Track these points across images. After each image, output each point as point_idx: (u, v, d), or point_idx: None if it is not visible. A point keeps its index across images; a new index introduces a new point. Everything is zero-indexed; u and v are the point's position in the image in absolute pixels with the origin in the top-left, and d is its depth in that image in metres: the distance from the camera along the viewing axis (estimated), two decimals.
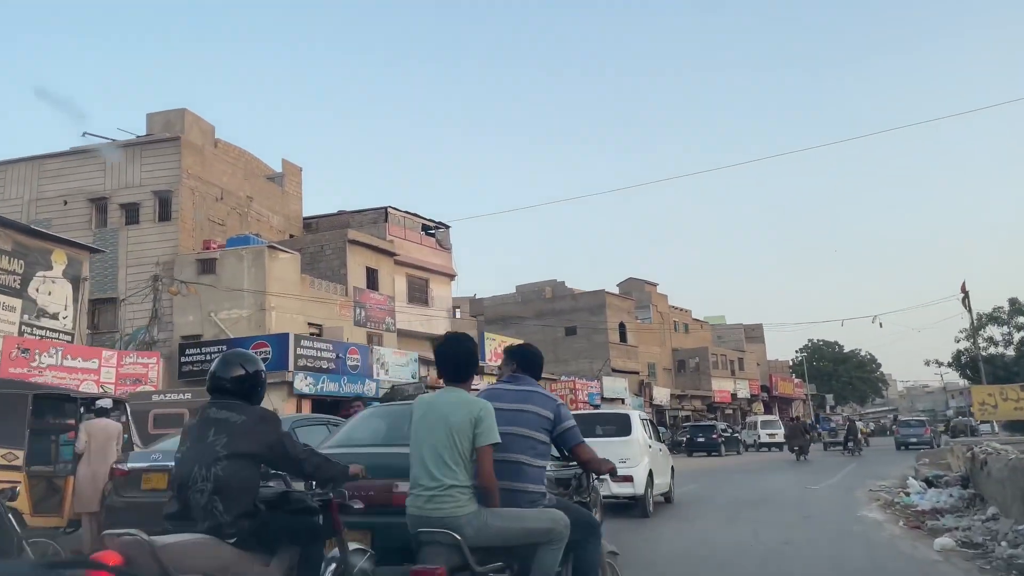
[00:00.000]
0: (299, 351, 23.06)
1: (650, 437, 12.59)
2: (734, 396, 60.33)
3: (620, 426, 11.91)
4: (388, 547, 4.20)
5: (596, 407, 43.81)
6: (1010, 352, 43.53)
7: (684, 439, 35.84)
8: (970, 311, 38.39)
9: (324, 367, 24.15)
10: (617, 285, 59.51)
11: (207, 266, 24.48)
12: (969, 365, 45.49)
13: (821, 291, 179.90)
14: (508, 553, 3.44)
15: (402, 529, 3.49)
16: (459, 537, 3.22)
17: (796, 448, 27.48)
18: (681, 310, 62.77)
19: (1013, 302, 41.78)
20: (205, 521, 3.08)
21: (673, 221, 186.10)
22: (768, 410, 68.89)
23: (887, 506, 12.39)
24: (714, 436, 33.30)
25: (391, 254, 30.25)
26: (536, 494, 3.62)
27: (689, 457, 33.43)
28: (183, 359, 23.42)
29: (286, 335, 22.93)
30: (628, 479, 10.76)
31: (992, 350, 44.82)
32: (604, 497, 9.85)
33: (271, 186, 31.18)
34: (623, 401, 46.42)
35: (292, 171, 32.65)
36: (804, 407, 76.31)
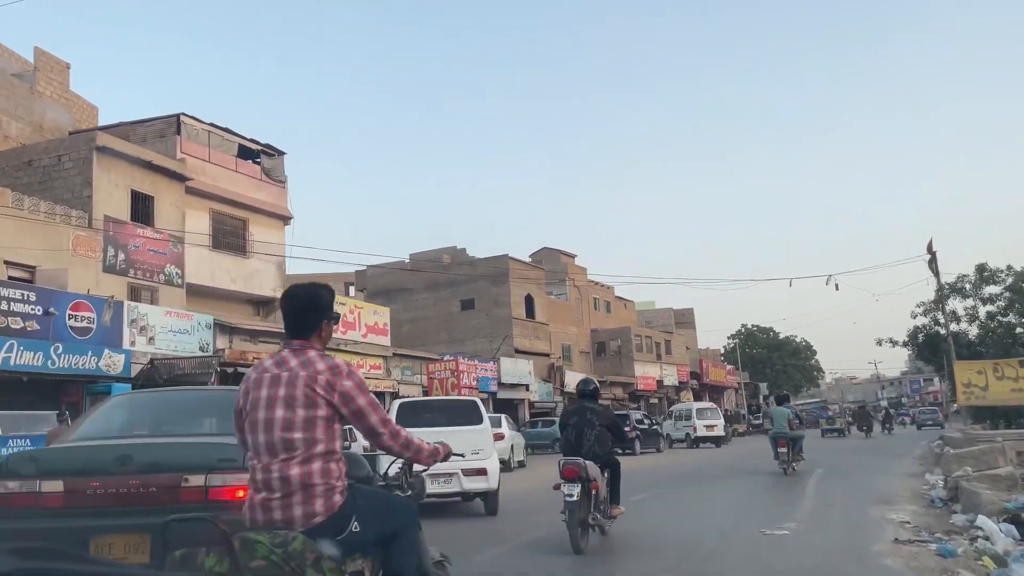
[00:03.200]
0: None
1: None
2: (660, 383, 53.32)
3: (468, 413, 10.70)
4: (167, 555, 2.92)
5: (492, 394, 36.05)
6: (974, 329, 37.22)
7: None
8: (937, 275, 31.78)
9: (16, 328, 15.47)
10: (529, 256, 51.81)
11: None
12: (927, 344, 39.17)
13: (760, 273, 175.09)
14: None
15: (189, 534, 2.40)
16: None
17: (864, 427, 34.36)
18: (603, 286, 55.40)
19: (981, 269, 35.38)
20: (589, 454, 7.12)
21: (601, 200, 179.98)
22: (698, 399, 62.34)
23: None
24: (626, 429, 25.53)
25: (180, 177, 21.53)
26: None
27: None
28: None
29: None
30: (482, 472, 9.81)
31: (954, 326, 38.71)
32: (454, 494, 9.81)
33: (11, 82, 22.07)
34: (527, 387, 38.75)
35: (51, 67, 23.54)
36: (736, 396, 70.23)
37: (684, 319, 74.04)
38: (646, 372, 52.01)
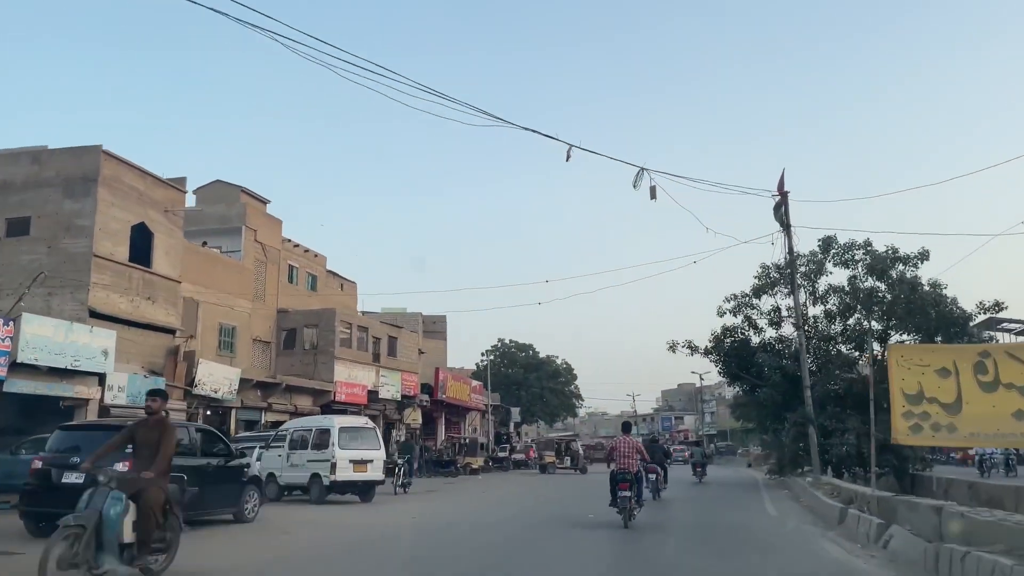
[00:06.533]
0: None
1: None
2: (374, 395, 38.01)
3: None
4: None
5: None
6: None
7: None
8: (787, 228, 19.65)
9: None
10: (195, 191, 34.66)
11: None
12: (736, 353, 27.53)
13: (521, 285, 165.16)
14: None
15: None
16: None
17: (700, 468, 31.89)
18: (309, 252, 39.38)
19: (827, 243, 24.18)
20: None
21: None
22: (430, 420, 47.96)
23: None
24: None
25: None
26: None
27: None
28: None
29: None
30: None
31: (771, 333, 27.68)
32: None
33: None
34: (100, 377, 21.66)
35: None
36: (483, 420, 57.11)
37: (434, 328, 59.06)
38: (354, 378, 36.58)
